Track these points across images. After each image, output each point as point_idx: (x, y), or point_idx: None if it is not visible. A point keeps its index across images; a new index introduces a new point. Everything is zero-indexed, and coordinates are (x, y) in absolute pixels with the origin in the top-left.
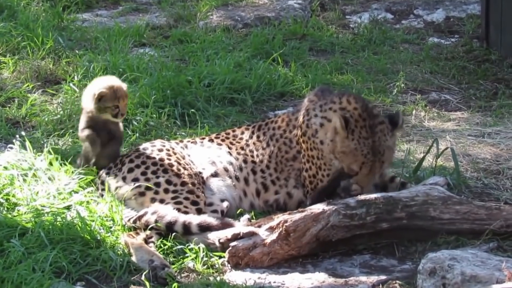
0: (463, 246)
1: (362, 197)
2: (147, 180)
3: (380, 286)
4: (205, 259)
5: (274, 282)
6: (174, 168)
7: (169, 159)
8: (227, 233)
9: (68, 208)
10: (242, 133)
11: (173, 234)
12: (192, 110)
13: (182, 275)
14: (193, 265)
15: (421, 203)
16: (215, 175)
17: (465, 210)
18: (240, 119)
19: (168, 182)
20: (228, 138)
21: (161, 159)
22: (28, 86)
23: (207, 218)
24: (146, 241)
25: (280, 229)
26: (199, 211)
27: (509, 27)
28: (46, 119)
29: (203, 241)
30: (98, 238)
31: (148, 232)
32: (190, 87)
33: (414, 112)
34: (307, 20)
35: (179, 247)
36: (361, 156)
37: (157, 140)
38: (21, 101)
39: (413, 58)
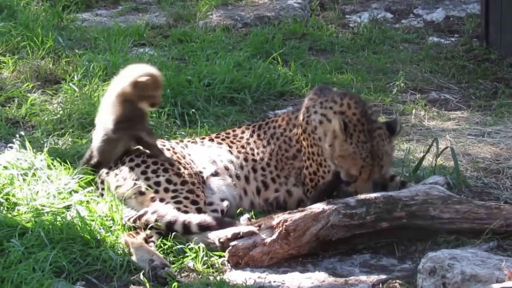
0: (463, 246)
1: (362, 196)
2: (148, 179)
3: (380, 285)
4: (205, 258)
5: (274, 281)
6: (175, 167)
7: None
8: (227, 232)
9: (68, 207)
10: (243, 132)
11: (173, 233)
12: (192, 109)
13: (182, 274)
14: (193, 264)
15: (421, 202)
16: (215, 174)
17: (465, 210)
18: (240, 119)
19: (168, 181)
20: (228, 138)
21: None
22: (28, 85)
23: (207, 218)
24: (146, 240)
25: (280, 228)
26: (199, 211)
27: (509, 26)
28: (46, 118)
29: (203, 240)
30: (98, 237)
31: (148, 231)
32: (190, 86)
33: (414, 111)
34: (306, 19)
35: (179, 246)
36: (360, 160)
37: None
38: (21, 101)
39: (412, 57)
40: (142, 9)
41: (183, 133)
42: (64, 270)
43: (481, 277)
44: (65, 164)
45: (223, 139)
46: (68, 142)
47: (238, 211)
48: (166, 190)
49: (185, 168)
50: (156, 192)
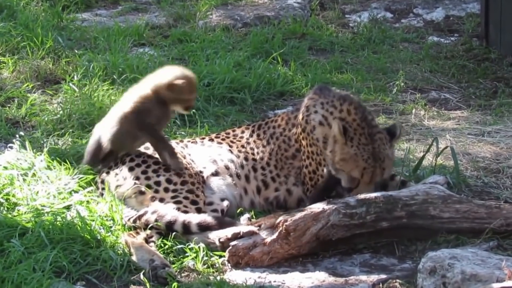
0: (463, 245)
1: (362, 196)
2: (148, 179)
3: (380, 285)
4: (205, 258)
5: (274, 281)
6: None
7: None
8: (227, 232)
9: (68, 207)
10: (242, 132)
11: (173, 233)
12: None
13: (182, 274)
14: (193, 264)
15: (421, 202)
16: (215, 174)
17: (465, 209)
18: (239, 119)
19: (169, 181)
20: (228, 137)
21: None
22: (27, 86)
23: (207, 218)
24: (147, 240)
25: (280, 228)
26: (199, 211)
27: (509, 25)
28: (46, 119)
29: (203, 240)
30: (98, 237)
31: (148, 231)
32: None
33: (413, 111)
34: (306, 19)
35: (179, 246)
36: (362, 161)
37: None
38: (20, 101)
39: (412, 57)
40: (142, 9)
41: (183, 133)
42: (64, 270)
43: (481, 276)
44: (65, 164)
45: (223, 139)
46: (68, 142)
47: (238, 211)
48: (166, 190)
49: (185, 168)
50: (156, 191)
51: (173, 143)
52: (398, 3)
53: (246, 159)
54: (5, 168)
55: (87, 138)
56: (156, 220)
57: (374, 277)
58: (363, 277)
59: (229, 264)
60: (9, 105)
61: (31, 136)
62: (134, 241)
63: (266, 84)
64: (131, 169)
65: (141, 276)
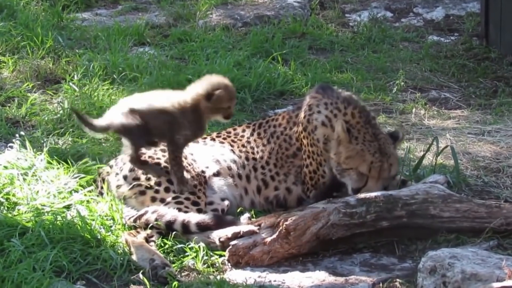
0: (463, 244)
1: (362, 195)
2: (149, 179)
3: (380, 284)
4: (205, 258)
5: (275, 280)
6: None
7: None
8: (227, 231)
9: (68, 207)
10: (243, 131)
11: (174, 233)
12: None
13: (183, 274)
14: (194, 264)
15: (421, 201)
16: (217, 174)
17: (465, 208)
18: (240, 118)
19: (170, 181)
20: (229, 137)
21: (167, 161)
22: (28, 85)
23: (206, 217)
24: (147, 240)
25: (280, 227)
26: (200, 212)
27: (509, 25)
28: (46, 118)
29: (203, 240)
30: (98, 237)
31: (149, 231)
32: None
33: (414, 110)
34: (306, 18)
35: (179, 246)
36: (369, 155)
37: None
38: (21, 101)
39: (412, 56)
40: (142, 8)
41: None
42: (65, 270)
43: (481, 276)
44: (65, 164)
45: (224, 138)
46: (68, 141)
47: (238, 210)
48: (167, 190)
49: (187, 170)
50: (157, 192)
51: None
52: (398, 2)
53: (247, 158)
54: (5, 167)
55: (87, 138)
56: (156, 220)
57: (374, 277)
58: (363, 277)
59: (229, 264)
60: (9, 104)
61: (31, 135)
62: (134, 241)
63: (266, 83)
64: (131, 169)
65: (141, 276)
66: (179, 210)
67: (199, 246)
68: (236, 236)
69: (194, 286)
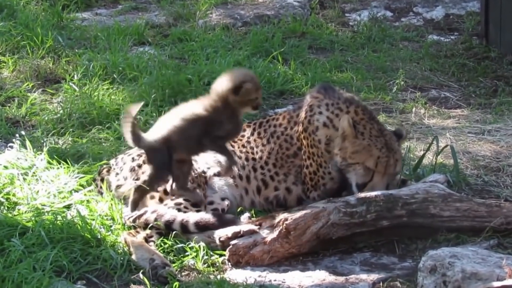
0: (464, 244)
1: (362, 195)
2: None
3: (381, 284)
4: (205, 257)
5: (275, 280)
6: None
7: None
8: (228, 231)
9: (68, 207)
10: (244, 130)
11: (174, 232)
12: None
13: (183, 273)
14: (194, 263)
15: (421, 200)
16: (218, 174)
17: (465, 208)
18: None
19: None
20: None
21: None
22: (28, 85)
23: (204, 216)
24: (147, 239)
25: (281, 227)
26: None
27: (509, 24)
28: (46, 118)
29: (203, 239)
30: (99, 237)
31: (148, 231)
32: (190, 85)
33: (414, 109)
34: (306, 18)
35: (179, 245)
36: (376, 150)
37: None
38: (21, 100)
39: (412, 55)
40: (142, 8)
41: None
42: (65, 269)
43: (481, 275)
44: (65, 164)
45: None
46: (68, 141)
47: (238, 210)
48: (165, 192)
49: None
50: (157, 191)
51: None
52: (398, 1)
53: (246, 159)
54: (6, 167)
55: (87, 138)
56: (155, 220)
57: (374, 276)
58: (364, 276)
59: (229, 263)
60: (9, 104)
61: (31, 135)
62: (134, 240)
63: (266, 83)
64: (132, 169)
65: (141, 275)
66: (179, 210)
67: (199, 246)
68: (236, 235)
69: (194, 286)
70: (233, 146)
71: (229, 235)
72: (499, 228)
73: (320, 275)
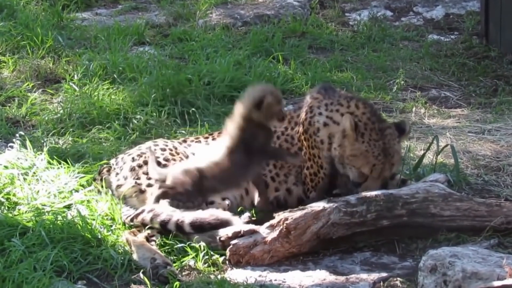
0: (464, 243)
1: (363, 194)
2: (150, 179)
3: (381, 283)
4: (206, 257)
5: (275, 280)
6: None
7: (173, 159)
8: (228, 231)
9: (68, 207)
10: None
11: (174, 232)
12: (192, 108)
13: (183, 273)
14: (194, 263)
15: (422, 200)
16: None
17: (466, 207)
18: None
19: None
20: None
21: (166, 159)
22: (28, 85)
23: (200, 216)
24: (148, 239)
25: (281, 227)
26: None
27: (509, 24)
28: (46, 118)
29: (204, 239)
30: (99, 236)
31: (149, 230)
32: (190, 85)
33: (414, 109)
34: (306, 18)
35: (180, 245)
36: (372, 158)
37: (159, 139)
38: (21, 100)
39: (412, 55)
40: (142, 8)
41: (183, 132)
42: (65, 269)
43: (482, 274)
44: (66, 163)
45: None
46: (69, 141)
47: (238, 210)
48: None
49: None
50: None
51: (175, 143)
52: (398, 1)
53: None
54: (6, 167)
55: (88, 137)
56: (151, 219)
57: (374, 276)
58: (364, 276)
59: (229, 263)
60: (9, 104)
61: (31, 135)
62: (135, 240)
63: (266, 82)
64: (132, 169)
65: (141, 275)
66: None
67: (199, 246)
68: (236, 235)
69: (194, 286)
70: None
71: (230, 234)
72: (499, 227)
73: (321, 275)
